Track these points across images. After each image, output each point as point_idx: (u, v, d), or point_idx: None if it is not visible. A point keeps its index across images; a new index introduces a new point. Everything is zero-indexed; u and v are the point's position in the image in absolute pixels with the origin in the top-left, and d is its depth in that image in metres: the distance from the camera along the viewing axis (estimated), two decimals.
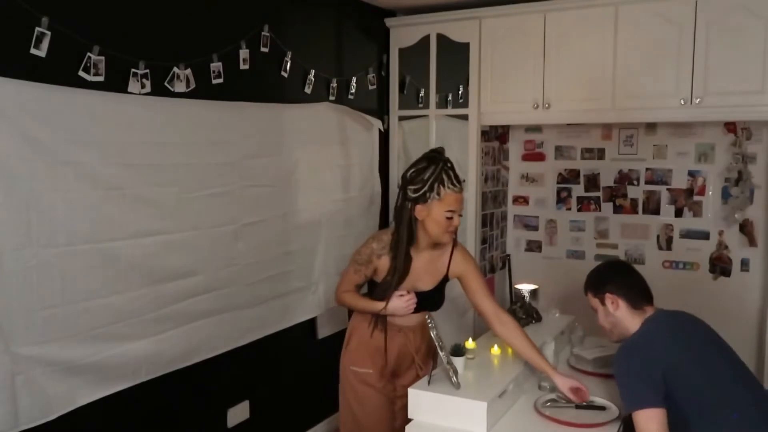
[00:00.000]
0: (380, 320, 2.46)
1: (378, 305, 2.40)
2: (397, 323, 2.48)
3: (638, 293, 2.15)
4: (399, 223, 2.38)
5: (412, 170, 2.35)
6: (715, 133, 3.75)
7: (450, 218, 2.32)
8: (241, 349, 2.99)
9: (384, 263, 2.42)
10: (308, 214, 3.32)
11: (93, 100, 2.25)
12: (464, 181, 2.39)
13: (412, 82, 3.99)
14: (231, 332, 2.91)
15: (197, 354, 2.75)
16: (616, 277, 2.21)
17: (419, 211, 2.33)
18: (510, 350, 2.51)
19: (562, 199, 4.24)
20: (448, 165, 2.33)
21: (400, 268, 2.38)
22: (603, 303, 2.18)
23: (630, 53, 3.30)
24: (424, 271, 2.45)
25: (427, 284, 2.47)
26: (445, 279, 2.51)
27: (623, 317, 2.13)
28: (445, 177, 2.30)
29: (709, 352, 2.02)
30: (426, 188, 2.29)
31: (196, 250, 2.68)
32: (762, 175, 3.64)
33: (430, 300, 2.48)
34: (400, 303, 2.37)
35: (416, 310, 2.42)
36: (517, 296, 3.01)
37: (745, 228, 3.71)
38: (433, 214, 2.31)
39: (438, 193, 2.29)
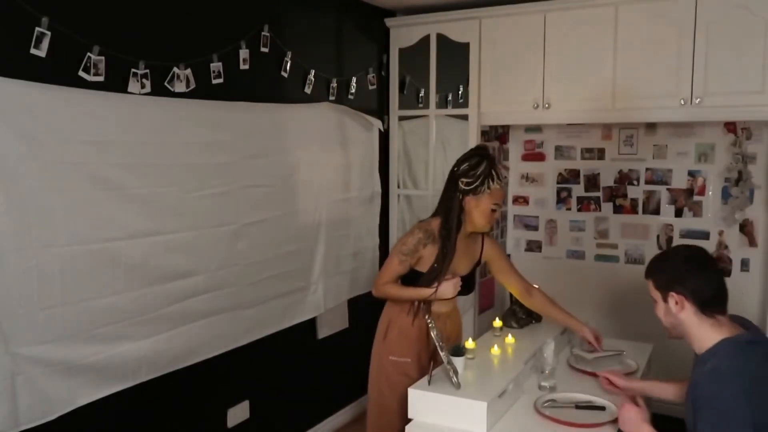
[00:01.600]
0: (422, 308, 2.56)
1: (427, 291, 2.52)
2: (435, 310, 2.60)
3: (712, 297, 1.83)
4: (449, 213, 2.57)
5: (465, 164, 2.55)
6: (715, 133, 3.74)
7: (494, 210, 2.56)
8: (241, 349, 2.99)
9: (429, 252, 2.56)
10: (308, 214, 3.32)
11: (93, 100, 2.26)
12: (506, 177, 2.52)
13: (412, 82, 3.99)
14: (231, 332, 2.91)
15: (197, 354, 2.75)
16: (690, 274, 1.86)
17: (469, 202, 2.54)
18: (510, 351, 2.54)
19: (562, 199, 4.24)
20: (494, 162, 2.58)
21: (452, 254, 2.54)
22: (665, 300, 1.90)
23: (630, 53, 3.30)
24: (462, 257, 2.62)
25: (464, 269, 2.66)
26: (478, 263, 2.74)
27: (687, 321, 1.86)
28: (494, 173, 2.54)
29: None
30: (478, 183, 2.51)
31: (196, 250, 2.68)
32: (762, 175, 3.64)
33: (467, 283, 2.65)
34: (449, 286, 2.52)
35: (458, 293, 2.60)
36: None
37: (745, 228, 3.71)
38: (481, 206, 2.54)
39: (488, 188, 2.51)
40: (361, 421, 3.53)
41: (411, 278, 2.59)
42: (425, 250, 2.56)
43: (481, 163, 2.53)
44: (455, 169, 2.58)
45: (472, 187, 2.52)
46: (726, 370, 1.72)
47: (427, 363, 2.56)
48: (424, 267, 2.57)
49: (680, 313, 1.86)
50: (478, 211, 2.54)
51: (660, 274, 1.93)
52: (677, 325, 1.89)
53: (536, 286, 2.83)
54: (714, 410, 1.69)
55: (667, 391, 2.28)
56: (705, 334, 1.83)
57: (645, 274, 2.00)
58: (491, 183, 2.51)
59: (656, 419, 3.05)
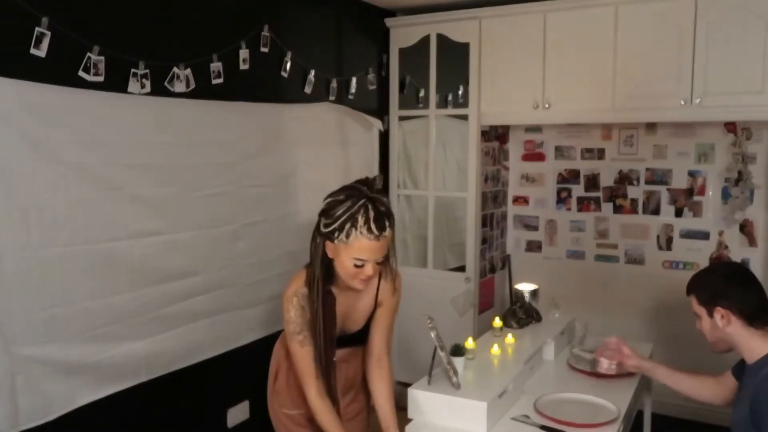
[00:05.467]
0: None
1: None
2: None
3: (758, 309, 1.90)
4: (313, 258, 1.98)
5: (330, 198, 1.92)
6: (715, 133, 3.74)
7: (360, 266, 1.89)
8: (241, 349, 2.99)
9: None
10: (308, 214, 3.30)
11: (93, 100, 2.26)
12: (389, 226, 1.89)
13: (412, 82, 3.99)
14: (231, 332, 2.91)
15: (197, 354, 2.76)
16: (732, 288, 1.93)
17: (329, 249, 1.93)
18: (510, 351, 2.52)
19: (562, 199, 4.24)
20: (372, 204, 1.87)
21: (320, 310, 1.96)
22: (711, 315, 1.95)
23: (630, 53, 3.30)
24: (353, 311, 2.10)
25: (357, 324, 2.13)
26: (374, 312, 2.15)
27: (736, 334, 1.91)
28: (360, 218, 1.84)
29: None
30: (336, 226, 1.86)
31: (196, 250, 2.68)
32: (762, 175, 3.64)
33: (358, 339, 2.17)
34: None
35: (345, 346, 2.14)
36: (517, 296, 3.01)
37: (745, 228, 3.71)
38: (339, 258, 1.91)
39: (347, 236, 1.85)
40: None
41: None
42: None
43: (345, 202, 1.86)
44: (324, 202, 1.94)
45: (327, 230, 1.88)
46: None
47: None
48: None
49: (727, 327, 1.91)
50: (337, 263, 1.91)
51: (702, 289, 1.98)
52: (724, 338, 1.94)
53: (387, 362, 2.18)
54: None
55: (682, 383, 2.23)
56: (756, 344, 1.89)
57: (687, 291, 2.04)
58: (353, 231, 1.83)
59: (656, 419, 3.06)
